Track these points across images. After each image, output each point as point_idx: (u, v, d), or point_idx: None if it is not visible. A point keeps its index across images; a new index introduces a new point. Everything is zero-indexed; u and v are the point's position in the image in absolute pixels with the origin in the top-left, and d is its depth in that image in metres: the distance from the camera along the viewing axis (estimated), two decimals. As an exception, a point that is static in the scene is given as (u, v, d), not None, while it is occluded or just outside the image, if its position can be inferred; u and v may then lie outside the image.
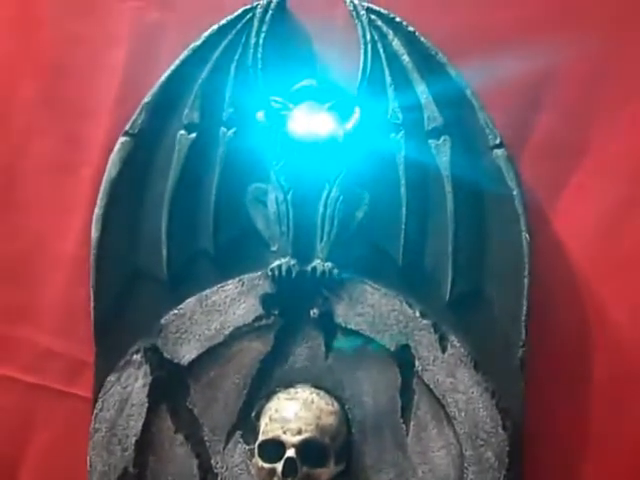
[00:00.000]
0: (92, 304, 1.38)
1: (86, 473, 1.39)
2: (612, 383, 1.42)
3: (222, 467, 1.39)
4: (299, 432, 1.30)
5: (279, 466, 1.30)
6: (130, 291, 1.38)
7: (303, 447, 1.29)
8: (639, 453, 1.41)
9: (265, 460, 1.32)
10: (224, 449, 1.39)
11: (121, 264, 1.38)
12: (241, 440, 1.39)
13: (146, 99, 1.37)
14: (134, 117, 1.37)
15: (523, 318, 1.32)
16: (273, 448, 1.31)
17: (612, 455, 1.42)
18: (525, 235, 1.32)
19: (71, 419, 1.49)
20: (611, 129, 1.42)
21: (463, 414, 1.33)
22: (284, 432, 1.30)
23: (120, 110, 1.43)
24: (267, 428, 1.32)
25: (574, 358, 1.42)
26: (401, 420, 1.35)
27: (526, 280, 1.32)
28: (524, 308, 1.32)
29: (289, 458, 1.29)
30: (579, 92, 1.43)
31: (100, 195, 1.37)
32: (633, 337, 1.42)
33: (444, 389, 1.33)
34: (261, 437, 1.33)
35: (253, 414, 1.37)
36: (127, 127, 1.37)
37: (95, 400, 1.38)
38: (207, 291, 1.36)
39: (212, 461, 1.39)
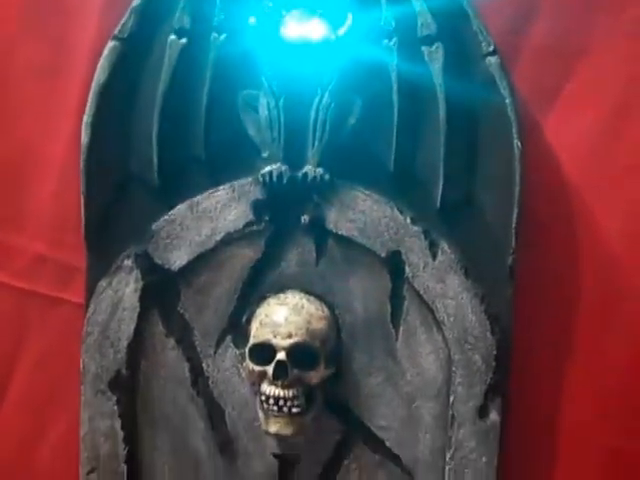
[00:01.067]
0: (82, 210, 1.37)
1: (79, 376, 1.41)
2: (600, 294, 1.43)
3: (213, 371, 1.41)
4: (289, 336, 1.31)
5: (269, 369, 1.31)
6: (121, 197, 1.38)
7: (293, 350, 1.31)
8: (626, 356, 1.43)
9: (256, 363, 1.33)
10: (215, 353, 1.41)
11: (111, 170, 1.37)
12: (232, 345, 1.40)
13: (135, 2, 1.34)
14: (123, 21, 1.34)
15: (513, 225, 1.32)
16: (263, 351, 1.32)
17: (598, 362, 1.44)
18: (517, 143, 1.31)
19: (63, 325, 1.50)
20: (609, 35, 1.40)
21: (452, 319, 1.34)
22: (274, 336, 1.32)
23: (109, 14, 1.41)
24: (257, 332, 1.34)
25: (563, 268, 1.43)
26: (391, 325, 1.37)
27: (517, 188, 1.31)
28: (514, 216, 1.32)
29: (279, 361, 1.30)
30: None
31: (89, 100, 1.36)
32: (623, 248, 1.43)
33: (434, 295, 1.34)
34: (252, 341, 1.34)
35: (244, 319, 1.38)
36: (116, 31, 1.34)
37: (87, 304, 1.39)
38: (198, 197, 1.36)
39: (203, 365, 1.41)
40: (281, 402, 1.31)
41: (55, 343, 1.52)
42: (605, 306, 1.43)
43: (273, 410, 1.32)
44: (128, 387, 1.40)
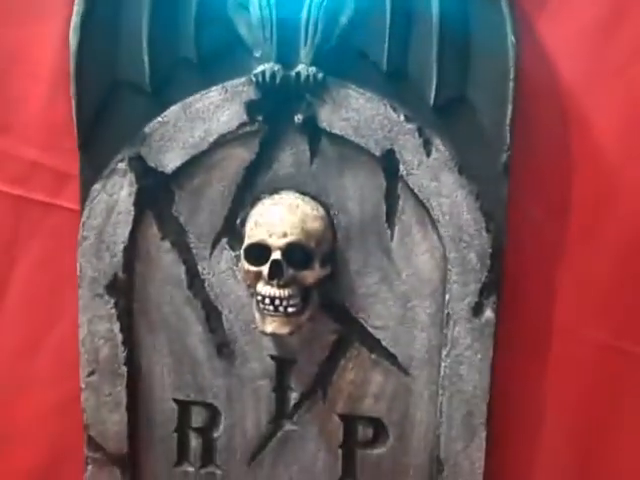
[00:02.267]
0: (74, 114, 1.36)
1: (76, 281, 1.41)
2: (593, 192, 1.43)
3: (209, 273, 1.42)
4: (284, 235, 1.31)
5: (265, 269, 1.32)
6: (112, 100, 1.37)
7: (288, 250, 1.31)
8: (617, 256, 1.44)
9: (251, 263, 1.34)
10: (210, 256, 1.41)
11: (102, 73, 1.36)
12: (227, 247, 1.40)
13: None
14: None
15: (507, 122, 1.31)
16: (259, 251, 1.33)
17: (590, 262, 1.44)
18: (511, 38, 1.30)
19: (58, 231, 1.50)
20: None
21: (447, 217, 1.34)
22: (269, 236, 1.32)
23: None
24: (252, 232, 1.34)
25: (557, 166, 1.42)
26: (386, 225, 1.37)
27: (511, 84, 1.30)
28: (508, 112, 1.31)
29: (275, 260, 1.31)
30: None
31: (76, 2, 1.33)
32: (616, 145, 1.42)
33: (428, 193, 1.34)
34: (247, 241, 1.34)
35: (238, 221, 1.39)
36: None
37: (82, 209, 1.39)
38: (190, 98, 1.35)
39: (199, 267, 1.42)
40: (277, 302, 1.32)
41: (50, 249, 1.52)
42: (598, 205, 1.43)
43: (269, 310, 1.32)
44: (125, 290, 1.41)
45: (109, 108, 1.37)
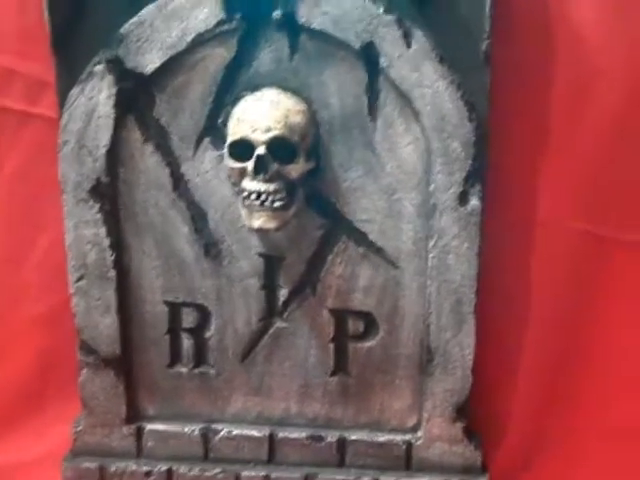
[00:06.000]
0: (46, 16, 1.34)
1: (59, 188, 1.41)
2: (573, 79, 1.43)
3: (193, 174, 1.42)
4: (268, 130, 1.31)
5: (250, 164, 1.32)
6: (86, 1, 1.35)
7: (272, 144, 1.31)
8: (596, 143, 1.45)
9: (235, 160, 1.34)
10: (194, 156, 1.41)
11: (74, -27, 1.34)
12: (210, 146, 1.40)
13: None
14: None
15: (487, 9, 1.31)
16: (243, 148, 1.32)
17: (570, 150, 1.45)
18: None
19: (38, 140, 1.50)
20: None
21: (429, 108, 1.34)
22: (253, 131, 1.31)
23: None
24: (235, 129, 1.34)
25: (537, 54, 1.42)
26: (368, 118, 1.37)
27: (489, -30, 1.30)
28: (488, 1, 1.30)
29: (259, 155, 1.31)
30: None
31: None
32: (594, 31, 1.41)
33: (410, 84, 1.33)
34: (230, 138, 1.34)
35: (220, 120, 1.38)
36: None
37: (61, 114, 1.38)
38: (166, -4, 1.33)
39: (182, 169, 1.41)
40: (263, 197, 1.32)
41: (31, 159, 1.51)
42: (579, 89, 1.43)
43: (255, 205, 1.33)
44: (109, 195, 1.41)
45: (82, 8, 1.34)
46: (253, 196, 1.32)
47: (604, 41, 1.40)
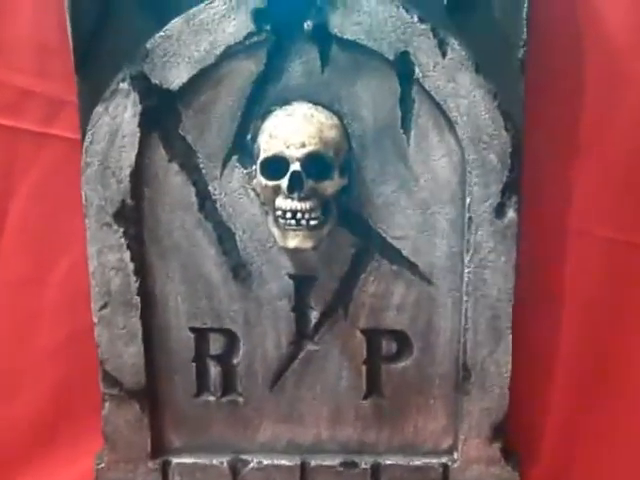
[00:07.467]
0: (69, 30, 1.29)
1: (81, 211, 1.35)
2: (605, 86, 1.41)
3: (220, 193, 1.37)
4: (303, 145, 1.27)
5: (284, 182, 1.27)
6: (109, 15, 1.29)
7: (307, 160, 1.27)
8: (628, 150, 1.43)
9: (269, 178, 1.29)
10: (221, 175, 1.36)
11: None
12: (238, 164, 1.35)
13: None
14: None
15: (524, 17, 1.28)
16: (276, 165, 1.28)
17: (602, 156, 1.43)
18: None
19: (55, 161, 1.44)
20: None
21: (465, 118, 1.31)
22: (287, 147, 1.27)
23: None
24: (268, 146, 1.29)
25: (571, 62, 1.40)
26: (401, 131, 1.33)
27: (524, -23, 1.27)
28: (525, 6, 1.28)
29: (294, 172, 1.26)
30: None
31: None
32: (627, 40, 1.40)
33: (445, 94, 1.30)
34: (262, 155, 1.29)
35: (249, 136, 1.33)
36: None
37: (83, 134, 1.32)
38: (193, 9, 1.28)
39: (209, 188, 1.36)
40: (299, 215, 1.28)
41: (47, 181, 1.45)
42: (609, 99, 1.41)
43: (291, 224, 1.28)
44: (134, 218, 1.36)
45: (106, 24, 1.29)
46: (288, 215, 1.28)
47: (637, 48, 1.39)
